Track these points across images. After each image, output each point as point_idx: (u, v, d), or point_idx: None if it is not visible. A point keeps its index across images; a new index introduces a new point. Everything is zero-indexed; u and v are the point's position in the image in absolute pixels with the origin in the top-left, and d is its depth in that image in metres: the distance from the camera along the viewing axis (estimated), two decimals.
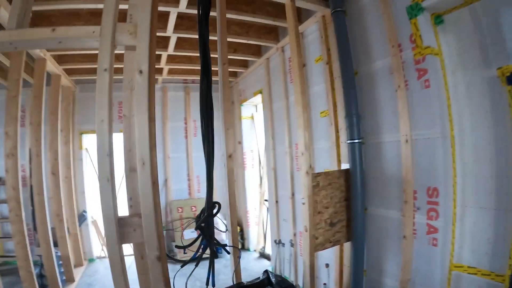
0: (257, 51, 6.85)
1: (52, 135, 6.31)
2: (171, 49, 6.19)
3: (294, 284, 5.54)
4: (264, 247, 8.13)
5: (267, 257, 7.61)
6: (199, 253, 3.42)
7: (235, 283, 3.80)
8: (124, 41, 2.27)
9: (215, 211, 3.44)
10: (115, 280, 2.19)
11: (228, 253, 3.90)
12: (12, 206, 4.79)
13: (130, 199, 2.24)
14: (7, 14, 4.08)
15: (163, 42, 6.07)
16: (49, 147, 6.08)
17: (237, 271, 3.91)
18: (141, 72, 2.23)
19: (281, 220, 6.44)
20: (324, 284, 4.87)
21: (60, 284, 5.82)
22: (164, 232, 7.75)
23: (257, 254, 8.16)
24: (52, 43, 2.49)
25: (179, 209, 8.13)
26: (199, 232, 3.44)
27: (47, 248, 5.65)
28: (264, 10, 5.08)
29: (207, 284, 3.57)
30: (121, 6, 4.61)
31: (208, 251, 3.54)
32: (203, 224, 3.38)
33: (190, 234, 7.37)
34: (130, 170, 2.23)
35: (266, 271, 3.81)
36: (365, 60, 4.24)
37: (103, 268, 7.69)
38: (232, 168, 3.91)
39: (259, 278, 3.78)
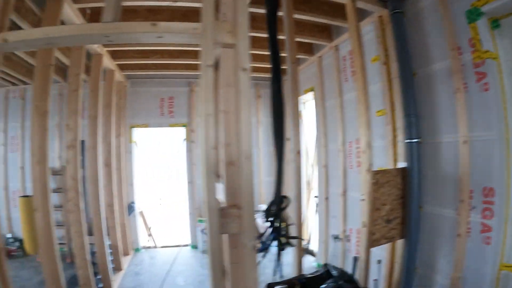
0: (309, 49, 6.87)
1: (106, 128, 6.50)
2: None
3: None
4: (308, 243, 8.11)
5: (311, 253, 7.63)
6: (267, 245, 3.52)
7: (296, 275, 3.90)
8: (223, 39, 2.36)
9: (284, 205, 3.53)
10: (212, 269, 2.29)
11: (293, 245, 3.98)
12: (71, 196, 4.96)
13: (227, 191, 2.33)
14: (71, 11, 4.25)
15: None
16: (103, 140, 6.23)
17: (299, 263, 4.00)
18: (244, 69, 2.31)
19: (330, 217, 6.48)
20: (375, 280, 4.90)
21: (110, 272, 6.03)
22: None
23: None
24: (151, 37, 2.60)
25: None
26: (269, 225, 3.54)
27: (100, 237, 5.83)
28: (321, 9, 5.10)
29: (275, 274, 3.67)
30: (184, 4, 4.78)
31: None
32: (272, 218, 3.47)
33: None
34: (229, 164, 2.32)
35: (325, 264, 3.88)
36: (424, 62, 4.24)
37: (148, 258, 7.95)
38: (300, 164, 3.99)
39: (318, 271, 3.86)
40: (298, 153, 4.08)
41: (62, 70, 7.23)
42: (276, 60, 3.57)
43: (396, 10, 4.32)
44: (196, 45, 6.22)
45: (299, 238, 4.07)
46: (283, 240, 3.69)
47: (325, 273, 3.76)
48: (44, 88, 4.20)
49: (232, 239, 2.36)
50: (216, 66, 3.75)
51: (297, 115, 4.14)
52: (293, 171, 4.11)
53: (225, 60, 2.40)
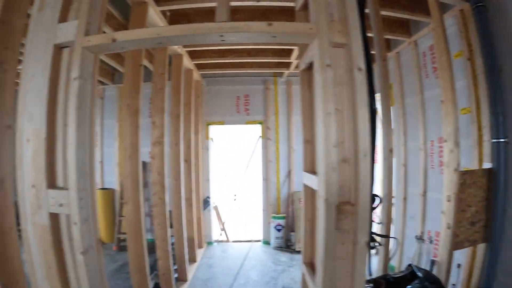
0: (386, 45, 6.64)
1: (186, 126, 6.74)
2: None
3: None
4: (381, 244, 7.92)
5: None
6: None
7: (381, 274, 3.91)
8: (334, 39, 2.42)
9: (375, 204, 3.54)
10: (325, 265, 2.37)
11: (380, 244, 3.98)
12: (157, 190, 5.19)
13: (340, 188, 2.39)
14: (155, 13, 4.42)
15: None
16: (183, 137, 6.42)
17: (385, 262, 4.00)
18: (359, 69, 2.38)
19: (407, 217, 6.35)
20: (453, 284, 4.80)
21: (186, 263, 6.31)
22: (283, 221, 7.99)
23: (372, 251, 7.97)
24: (265, 37, 2.68)
25: (301, 200, 8.05)
26: None
27: (179, 230, 6.09)
28: (399, 4, 5.02)
29: None
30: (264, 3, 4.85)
31: None
32: None
33: None
34: (342, 161, 2.39)
35: (410, 265, 3.84)
36: (511, 57, 4.07)
37: (220, 252, 8.19)
38: (392, 162, 3.99)
39: (402, 271, 3.83)
40: (391, 151, 4.07)
41: None
42: (367, 57, 3.58)
43: (478, 4, 4.21)
44: (273, 44, 6.33)
45: (388, 237, 4.07)
46: (373, 238, 3.71)
47: (409, 274, 3.74)
48: (135, 87, 4.43)
49: (340, 235, 2.42)
50: (310, 66, 3.82)
51: (388, 113, 4.13)
52: (385, 170, 4.10)
53: (336, 59, 2.45)
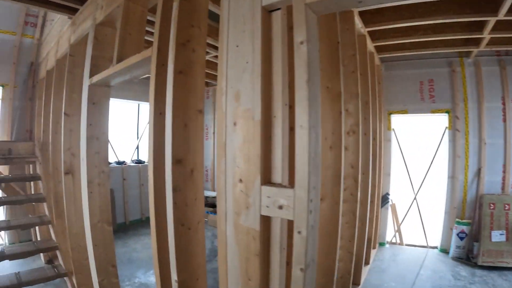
0: None
1: (373, 115, 6.20)
2: (502, 14, 4.81)
3: None
4: None
5: None
6: None
7: None
8: None
9: None
10: None
11: None
12: (348, 185, 4.81)
13: None
14: None
15: (491, 6, 4.89)
16: (371, 127, 5.94)
17: None
18: None
19: None
20: None
21: (362, 265, 5.84)
22: (468, 228, 7.02)
23: None
24: None
25: (491, 205, 6.97)
26: None
27: (362, 229, 5.64)
28: None
29: None
30: None
31: None
32: None
33: (499, 236, 6.44)
34: None
35: None
36: None
37: (392, 255, 7.52)
38: None
39: None
40: None
41: None
42: None
43: None
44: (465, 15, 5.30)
45: None
46: None
47: None
48: (335, 67, 4.07)
49: None
50: None
51: None
52: None
53: None
